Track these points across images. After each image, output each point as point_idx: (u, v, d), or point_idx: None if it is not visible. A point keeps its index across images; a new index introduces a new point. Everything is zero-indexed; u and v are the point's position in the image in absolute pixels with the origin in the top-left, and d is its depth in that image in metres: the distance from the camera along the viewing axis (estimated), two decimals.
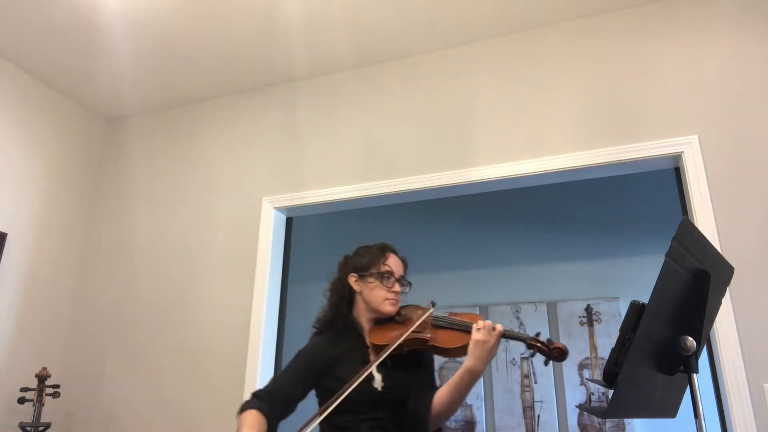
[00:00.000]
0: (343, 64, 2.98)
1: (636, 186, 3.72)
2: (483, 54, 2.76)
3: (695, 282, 1.19)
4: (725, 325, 2.01)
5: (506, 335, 1.57)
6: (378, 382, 1.63)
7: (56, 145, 3.20)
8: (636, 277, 3.65)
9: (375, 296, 1.71)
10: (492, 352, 1.53)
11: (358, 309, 1.75)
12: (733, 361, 1.98)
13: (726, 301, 2.02)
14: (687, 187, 2.25)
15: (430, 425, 1.59)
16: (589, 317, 3.71)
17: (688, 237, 1.17)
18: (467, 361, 1.53)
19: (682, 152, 2.26)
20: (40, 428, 2.64)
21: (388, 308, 1.71)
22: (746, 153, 2.19)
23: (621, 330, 1.15)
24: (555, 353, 1.54)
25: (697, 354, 1.14)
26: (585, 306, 3.74)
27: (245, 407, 1.53)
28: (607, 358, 1.41)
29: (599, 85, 2.50)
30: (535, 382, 3.68)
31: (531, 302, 3.87)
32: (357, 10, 2.59)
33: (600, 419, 3.49)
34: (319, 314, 1.80)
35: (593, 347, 3.64)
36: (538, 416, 3.60)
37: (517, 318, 3.84)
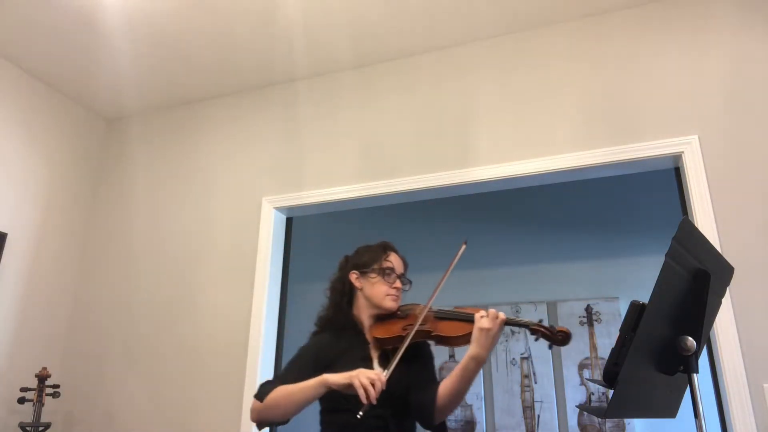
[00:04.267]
0: (343, 64, 2.98)
1: (636, 186, 3.72)
2: (483, 54, 2.76)
3: (695, 282, 1.19)
4: (725, 325, 2.01)
5: (509, 322, 1.59)
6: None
7: (56, 145, 3.20)
8: (636, 277, 3.65)
9: (376, 292, 1.72)
10: (495, 339, 1.55)
11: (359, 306, 1.75)
12: (733, 361, 1.98)
13: (726, 301, 2.02)
14: (687, 187, 2.25)
15: (436, 417, 1.59)
16: (589, 317, 3.71)
17: (688, 237, 1.17)
18: (471, 349, 1.55)
19: (682, 152, 2.27)
20: (40, 428, 2.64)
21: (390, 303, 1.72)
22: (746, 153, 2.19)
23: (621, 330, 1.15)
24: (559, 336, 1.56)
25: (697, 354, 1.14)
26: (585, 306, 3.74)
27: (267, 389, 1.54)
28: (607, 358, 1.41)
29: (599, 85, 2.50)
30: (535, 382, 3.68)
31: (531, 302, 3.87)
32: (357, 10, 2.59)
33: (600, 419, 3.49)
34: (319, 312, 1.81)
35: (593, 347, 3.64)
36: (538, 416, 3.60)
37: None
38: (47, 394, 2.72)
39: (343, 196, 2.77)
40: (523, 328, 1.65)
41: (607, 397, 3.50)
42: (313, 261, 3.48)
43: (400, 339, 1.61)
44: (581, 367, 3.63)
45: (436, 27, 2.71)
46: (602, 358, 3.61)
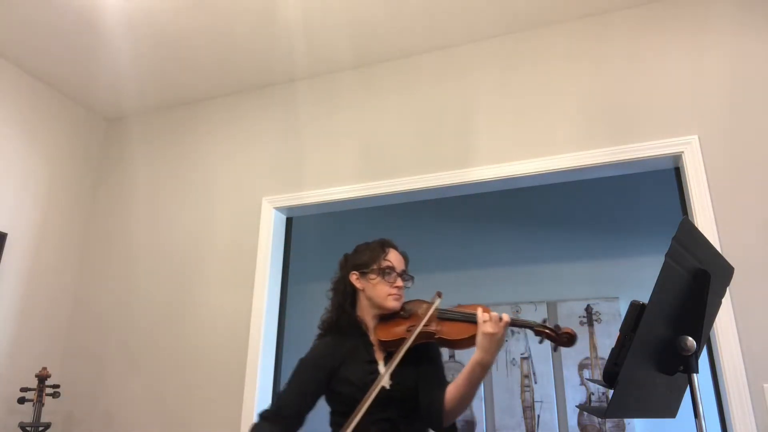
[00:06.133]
0: (343, 64, 2.98)
1: (636, 186, 3.72)
2: (483, 54, 2.76)
3: (695, 282, 1.19)
4: (725, 325, 2.01)
5: (514, 323, 1.57)
6: (386, 380, 1.60)
7: (56, 145, 3.20)
8: (636, 277, 3.65)
9: (378, 292, 1.70)
10: (500, 343, 1.53)
11: (362, 307, 1.73)
12: (733, 361, 1.98)
13: (726, 301, 2.02)
14: (687, 187, 2.25)
15: (445, 421, 1.57)
16: (589, 317, 3.71)
17: (688, 237, 1.17)
18: (476, 354, 1.52)
19: (682, 152, 2.26)
20: (40, 428, 2.64)
21: (392, 303, 1.70)
22: (746, 153, 2.19)
23: (621, 330, 1.15)
24: (564, 338, 1.54)
25: (697, 354, 1.14)
26: (585, 306, 3.74)
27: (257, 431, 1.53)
28: (607, 358, 1.40)
29: (599, 84, 2.50)
30: (535, 382, 3.68)
31: (531, 302, 3.86)
32: (357, 10, 2.59)
33: (600, 419, 3.49)
34: (323, 315, 1.78)
35: (593, 347, 3.64)
36: (538, 416, 3.60)
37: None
38: (47, 394, 2.72)
39: (343, 196, 2.77)
40: (526, 329, 1.63)
41: (607, 397, 3.50)
42: (313, 261, 3.49)
43: (403, 341, 1.60)
44: (581, 367, 3.63)
45: (436, 27, 2.71)
46: (602, 358, 3.61)
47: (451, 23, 2.68)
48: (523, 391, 3.69)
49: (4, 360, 2.78)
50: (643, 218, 3.74)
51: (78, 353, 3.05)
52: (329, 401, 1.66)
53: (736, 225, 2.12)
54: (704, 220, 2.15)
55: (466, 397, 1.56)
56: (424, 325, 1.61)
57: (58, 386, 2.80)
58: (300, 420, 1.58)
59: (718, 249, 2.06)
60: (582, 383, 3.59)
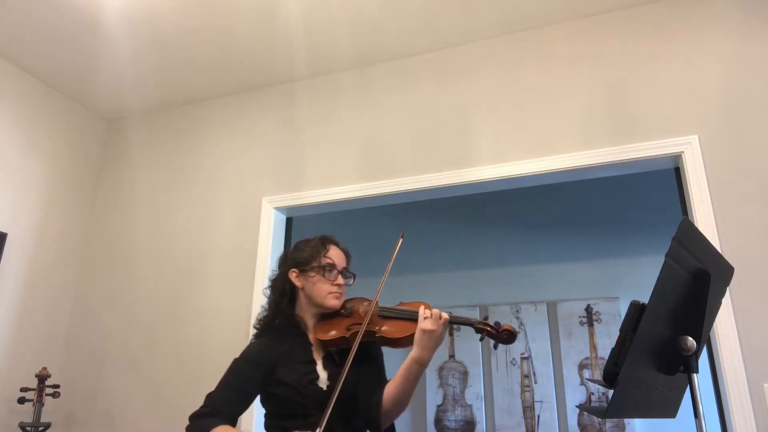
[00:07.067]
0: (343, 64, 2.98)
1: (636, 186, 3.72)
2: (483, 54, 2.76)
3: (695, 282, 1.19)
4: (725, 325, 2.01)
5: (453, 321, 1.54)
6: (323, 381, 1.56)
7: (56, 146, 3.20)
8: (636, 277, 3.65)
9: (318, 291, 1.64)
10: (439, 341, 1.50)
11: (301, 306, 1.67)
12: (733, 361, 1.98)
13: (726, 301, 2.02)
14: (687, 187, 2.25)
15: (382, 422, 1.52)
16: (589, 317, 3.71)
17: (688, 237, 1.17)
18: (414, 351, 1.49)
19: (682, 152, 2.26)
20: (40, 428, 2.64)
21: (332, 302, 1.64)
22: (746, 153, 2.19)
23: (621, 330, 1.15)
24: (504, 335, 1.52)
25: (697, 354, 1.14)
26: (585, 306, 3.74)
27: (207, 426, 1.44)
28: (607, 358, 1.40)
29: (599, 84, 2.50)
30: (535, 382, 3.68)
31: (531, 302, 3.87)
32: (357, 10, 2.59)
33: (600, 419, 3.49)
34: (259, 314, 1.72)
35: (593, 347, 3.64)
36: (538, 416, 3.60)
37: (517, 318, 3.84)
38: (47, 394, 2.72)
39: (343, 196, 2.77)
40: (467, 326, 1.59)
41: (607, 397, 3.50)
42: None
43: (344, 340, 1.56)
44: (581, 367, 3.63)
45: (436, 27, 2.71)
46: (602, 358, 3.61)
47: (451, 23, 2.68)
48: (523, 391, 3.69)
49: (4, 360, 2.78)
50: (643, 218, 3.74)
51: (78, 353, 3.05)
52: (265, 403, 1.60)
53: (736, 225, 2.12)
54: (704, 220, 2.15)
55: (403, 396, 1.51)
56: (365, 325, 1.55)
57: (58, 386, 2.80)
58: (233, 422, 1.50)
59: (718, 249, 2.06)
60: (582, 383, 3.60)
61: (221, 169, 3.12)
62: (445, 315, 1.51)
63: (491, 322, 1.54)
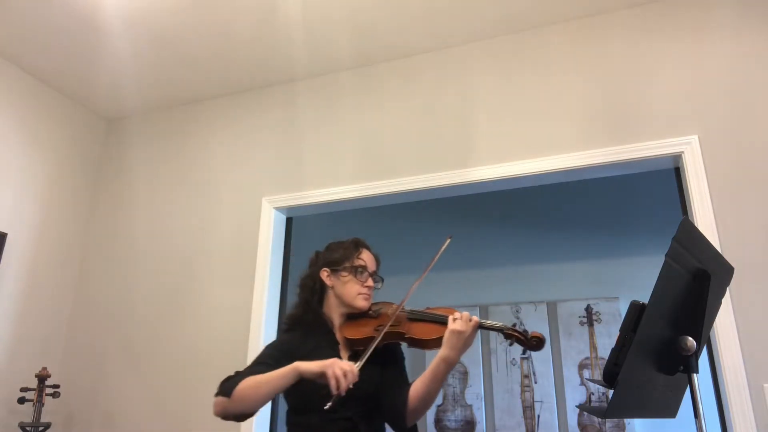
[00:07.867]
0: (343, 64, 2.98)
1: (636, 186, 3.72)
2: (483, 54, 2.76)
3: (695, 282, 1.19)
4: (725, 325, 2.01)
5: (483, 326, 1.57)
6: None
7: (56, 145, 3.20)
8: (636, 277, 3.65)
9: (348, 291, 1.69)
10: (468, 343, 1.53)
11: (330, 305, 1.72)
12: (733, 361, 1.98)
13: (726, 301, 2.02)
14: (687, 187, 2.25)
15: (408, 420, 1.57)
16: (589, 317, 3.71)
17: (688, 237, 1.17)
18: (442, 351, 1.53)
19: (682, 152, 2.27)
20: (40, 428, 2.64)
21: (361, 303, 1.69)
22: (746, 153, 2.19)
23: (621, 330, 1.15)
24: (533, 342, 1.54)
25: (697, 354, 1.14)
26: (585, 306, 3.74)
27: (233, 383, 1.50)
28: (607, 358, 1.41)
29: (599, 84, 2.50)
30: (535, 382, 3.68)
31: (531, 302, 3.86)
32: (357, 9, 2.59)
33: (600, 419, 3.49)
34: (289, 311, 1.78)
35: (593, 347, 3.64)
36: (538, 416, 3.60)
37: (518, 318, 3.84)
38: (47, 394, 2.72)
39: (343, 196, 2.77)
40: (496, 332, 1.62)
41: (607, 397, 3.50)
42: None
43: (371, 340, 1.58)
44: (581, 367, 3.63)
45: (436, 27, 2.71)
46: (602, 358, 3.61)
47: (451, 23, 2.68)
48: (523, 391, 3.69)
49: (4, 360, 2.78)
50: (643, 218, 3.74)
51: (78, 353, 3.05)
52: (288, 396, 1.63)
53: (736, 225, 2.12)
54: (704, 220, 2.15)
55: (430, 395, 1.55)
56: (394, 326, 1.60)
57: (58, 386, 2.80)
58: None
59: (718, 249, 2.06)
60: (582, 383, 3.59)
61: (221, 169, 3.12)
62: (475, 318, 1.55)
63: (519, 328, 1.57)
